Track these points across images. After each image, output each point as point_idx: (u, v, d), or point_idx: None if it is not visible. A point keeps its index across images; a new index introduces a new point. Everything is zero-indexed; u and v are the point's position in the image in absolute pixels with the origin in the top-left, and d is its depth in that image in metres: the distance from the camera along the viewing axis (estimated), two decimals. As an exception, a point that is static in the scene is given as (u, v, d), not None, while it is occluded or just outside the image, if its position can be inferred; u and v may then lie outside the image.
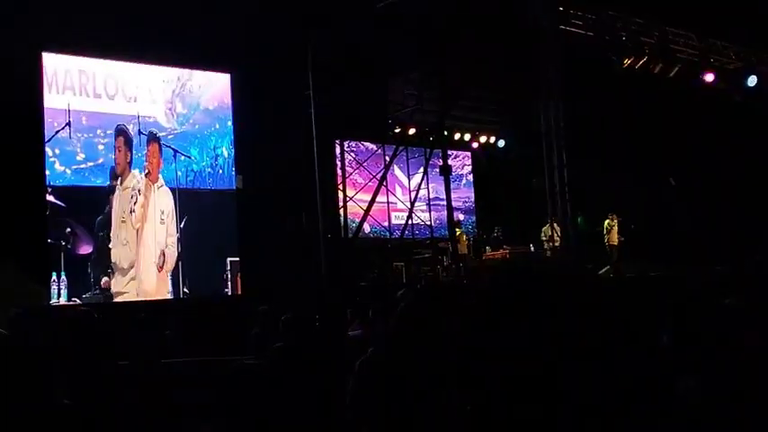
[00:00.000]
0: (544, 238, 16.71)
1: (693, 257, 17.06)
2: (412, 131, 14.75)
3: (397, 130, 15.90)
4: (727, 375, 2.05)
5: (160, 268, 12.49)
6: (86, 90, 12.25)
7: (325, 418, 5.82)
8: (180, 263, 12.71)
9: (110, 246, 12.01)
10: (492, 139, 20.89)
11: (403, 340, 2.27)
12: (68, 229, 11.63)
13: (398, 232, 14.55)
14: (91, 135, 12.16)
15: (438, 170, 13.86)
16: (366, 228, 14.44)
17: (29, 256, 10.84)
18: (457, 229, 15.32)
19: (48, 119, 11.72)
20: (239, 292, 13.18)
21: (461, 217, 18.73)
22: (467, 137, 20.15)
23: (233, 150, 13.76)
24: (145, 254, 12.41)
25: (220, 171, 13.61)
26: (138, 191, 12.49)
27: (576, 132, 16.09)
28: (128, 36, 11.98)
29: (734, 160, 17.18)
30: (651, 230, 17.83)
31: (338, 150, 16.13)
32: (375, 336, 4.29)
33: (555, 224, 15.24)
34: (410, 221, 14.22)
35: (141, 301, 12.01)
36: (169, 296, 12.52)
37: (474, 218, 20.16)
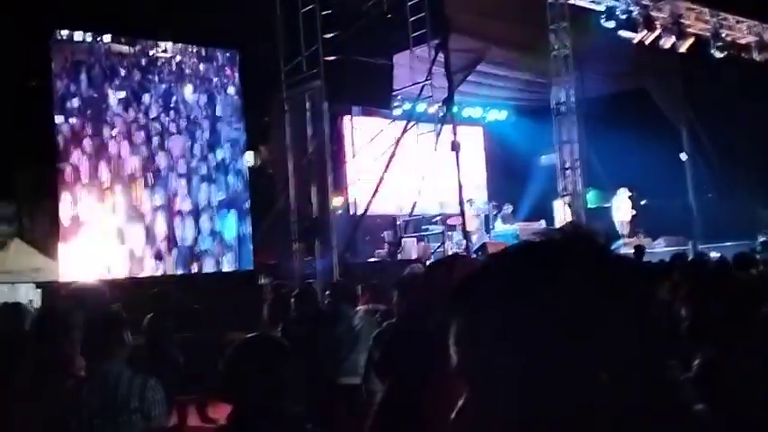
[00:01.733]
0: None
1: (706, 233, 17.02)
2: (421, 107, 14.68)
3: (406, 107, 15.84)
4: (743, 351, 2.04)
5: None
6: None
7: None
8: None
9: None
10: (503, 115, 20.81)
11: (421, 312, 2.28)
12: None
13: (408, 209, 14.54)
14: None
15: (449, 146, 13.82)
16: (376, 204, 14.42)
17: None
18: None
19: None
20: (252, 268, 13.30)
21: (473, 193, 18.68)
22: (477, 112, 20.08)
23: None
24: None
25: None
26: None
27: (587, 107, 16.03)
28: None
29: (749, 132, 17.05)
30: (663, 205, 17.78)
31: (347, 126, 16.12)
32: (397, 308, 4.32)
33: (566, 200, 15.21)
34: (420, 198, 14.20)
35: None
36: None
37: (485, 193, 20.11)
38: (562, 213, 15.87)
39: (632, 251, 11.75)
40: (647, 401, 0.89)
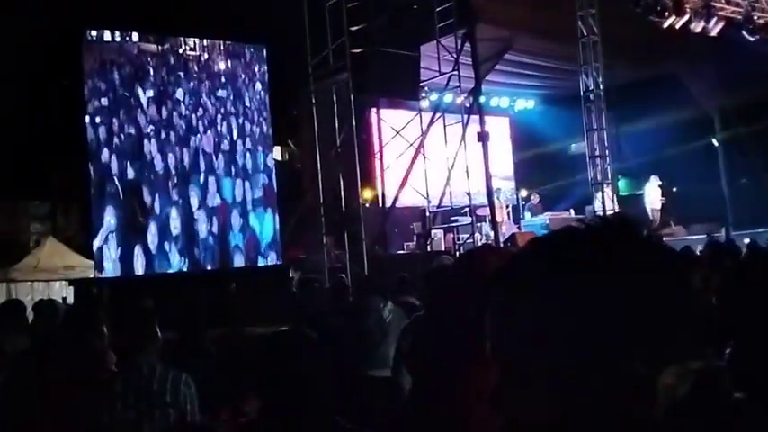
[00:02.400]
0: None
1: (739, 219, 16.78)
2: (448, 98, 14.63)
3: (433, 98, 15.80)
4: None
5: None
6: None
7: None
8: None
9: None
10: (530, 104, 20.67)
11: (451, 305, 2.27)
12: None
13: (436, 200, 14.51)
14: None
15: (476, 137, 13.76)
16: (404, 196, 14.41)
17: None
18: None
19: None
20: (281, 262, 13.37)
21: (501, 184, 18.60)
22: (505, 102, 19.96)
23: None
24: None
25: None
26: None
27: (616, 94, 15.86)
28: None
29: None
30: (695, 192, 17.54)
31: (374, 119, 16.11)
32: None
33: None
34: (448, 189, 14.16)
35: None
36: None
37: (513, 184, 20.01)
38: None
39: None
40: (689, 391, 0.88)
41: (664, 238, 12.14)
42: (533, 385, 0.90)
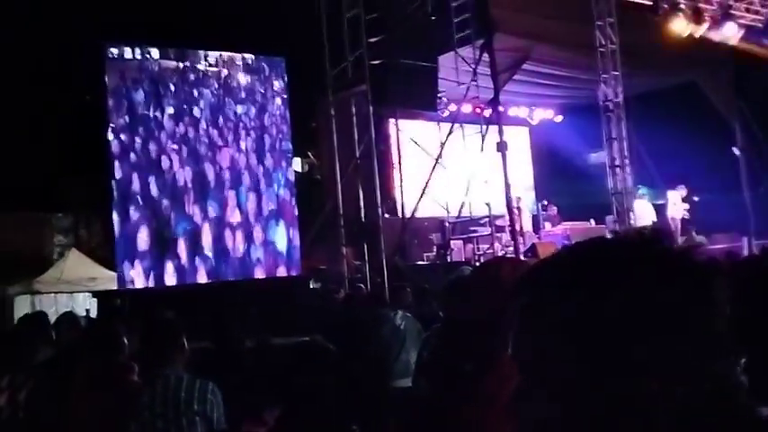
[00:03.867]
0: None
1: (761, 229, 16.62)
2: (467, 108, 14.64)
3: (451, 108, 15.82)
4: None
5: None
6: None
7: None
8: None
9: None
10: (549, 114, 20.63)
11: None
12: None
13: (455, 211, 14.51)
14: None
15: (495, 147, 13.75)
16: (423, 206, 14.43)
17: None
18: None
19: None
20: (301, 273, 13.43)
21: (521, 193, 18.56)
22: (523, 112, 19.94)
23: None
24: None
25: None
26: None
27: (635, 103, 15.81)
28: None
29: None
30: (716, 202, 17.40)
31: (393, 130, 16.14)
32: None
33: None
34: (467, 199, 14.16)
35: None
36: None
37: (533, 194, 19.95)
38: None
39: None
40: (708, 405, 0.88)
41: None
42: (551, 393, 0.91)
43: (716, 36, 15.97)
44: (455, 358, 2.24)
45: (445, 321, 4.00)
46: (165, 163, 12.50)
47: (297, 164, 15.60)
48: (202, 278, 12.51)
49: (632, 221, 15.25)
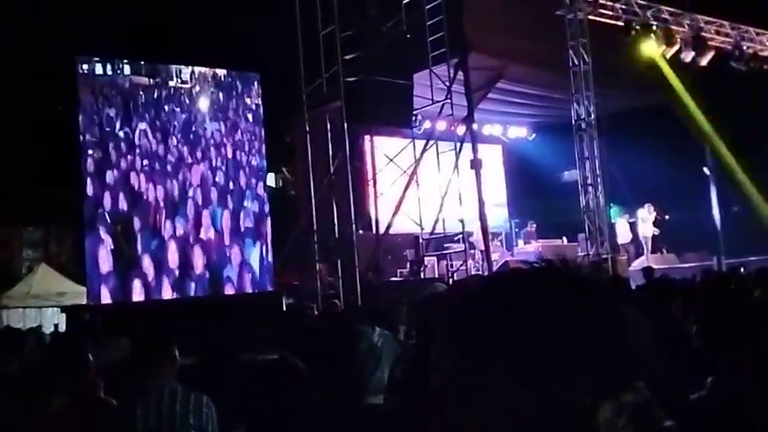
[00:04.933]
0: None
1: (728, 249, 16.84)
2: (441, 126, 14.72)
3: (426, 125, 15.90)
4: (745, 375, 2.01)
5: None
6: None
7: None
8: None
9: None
10: (523, 132, 20.81)
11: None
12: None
13: (429, 227, 14.54)
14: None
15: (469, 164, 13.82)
16: (397, 223, 14.45)
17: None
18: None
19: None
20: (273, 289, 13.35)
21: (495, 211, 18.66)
22: (497, 130, 20.09)
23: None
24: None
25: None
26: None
27: (608, 122, 15.98)
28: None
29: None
30: (686, 220, 17.63)
31: (368, 146, 16.18)
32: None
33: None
34: (441, 216, 14.20)
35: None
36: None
37: (506, 211, 20.08)
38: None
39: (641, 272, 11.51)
40: (627, 423, 0.91)
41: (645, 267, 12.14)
42: (480, 416, 0.92)
43: (687, 57, 16.24)
44: (426, 379, 2.24)
45: (417, 338, 4.00)
46: (135, 180, 12.39)
47: (271, 179, 15.57)
48: (169, 295, 12.38)
49: (605, 239, 15.37)
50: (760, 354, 1.99)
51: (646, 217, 16.69)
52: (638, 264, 15.48)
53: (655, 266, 12.31)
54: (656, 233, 16.72)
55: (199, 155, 13.25)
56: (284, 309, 11.61)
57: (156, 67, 13.00)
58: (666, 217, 17.43)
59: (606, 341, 0.92)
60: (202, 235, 12.94)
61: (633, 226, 16.97)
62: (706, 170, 18.81)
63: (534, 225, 17.94)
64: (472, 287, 1.01)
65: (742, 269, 12.28)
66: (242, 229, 13.48)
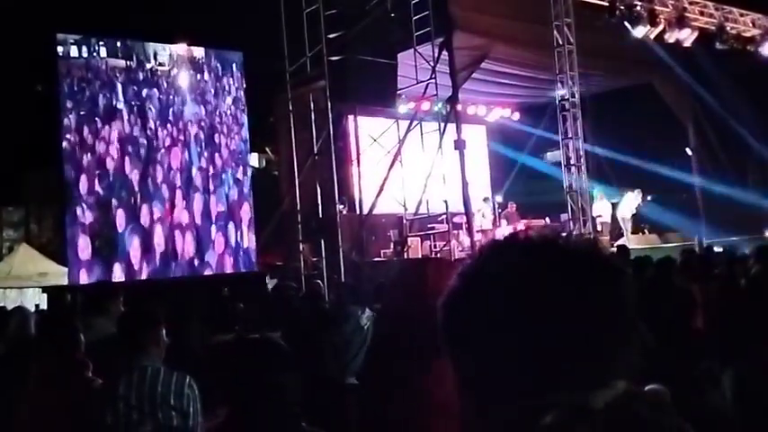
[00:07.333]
0: None
1: (710, 230, 16.96)
2: (425, 106, 14.68)
3: (410, 105, 15.85)
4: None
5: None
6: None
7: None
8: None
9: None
10: (507, 113, 20.79)
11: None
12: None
13: (413, 208, 14.54)
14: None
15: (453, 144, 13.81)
16: (381, 203, 14.43)
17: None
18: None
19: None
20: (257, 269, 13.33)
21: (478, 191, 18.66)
22: (481, 111, 20.06)
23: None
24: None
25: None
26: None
27: (592, 103, 16.01)
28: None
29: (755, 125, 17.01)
30: (669, 201, 17.74)
31: (351, 126, 16.12)
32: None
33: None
34: (425, 197, 14.20)
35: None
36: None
37: (489, 191, 20.10)
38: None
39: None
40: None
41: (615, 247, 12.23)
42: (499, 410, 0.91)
43: (671, 38, 16.25)
44: (385, 360, 2.25)
45: (376, 319, 3.99)
46: (111, 164, 12.24)
47: (254, 159, 15.48)
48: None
49: (587, 219, 15.44)
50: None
51: (631, 200, 16.76)
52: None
53: (636, 246, 12.40)
54: (633, 213, 16.83)
55: (179, 137, 13.11)
56: (268, 288, 11.61)
57: (134, 48, 12.80)
58: (649, 198, 17.54)
59: (614, 310, 0.91)
60: (182, 218, 12.85)
61: (614, 207, 17.07)
62: (688, 150, 18.90)
63: (514, 206, 17.96)
64: (488, 252, 1.00)
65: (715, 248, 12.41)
66: (223, 212, 13.39)
